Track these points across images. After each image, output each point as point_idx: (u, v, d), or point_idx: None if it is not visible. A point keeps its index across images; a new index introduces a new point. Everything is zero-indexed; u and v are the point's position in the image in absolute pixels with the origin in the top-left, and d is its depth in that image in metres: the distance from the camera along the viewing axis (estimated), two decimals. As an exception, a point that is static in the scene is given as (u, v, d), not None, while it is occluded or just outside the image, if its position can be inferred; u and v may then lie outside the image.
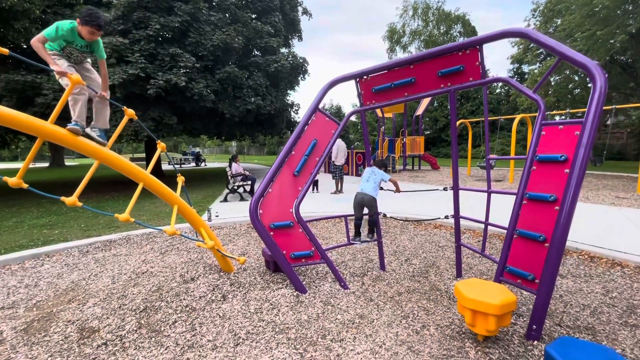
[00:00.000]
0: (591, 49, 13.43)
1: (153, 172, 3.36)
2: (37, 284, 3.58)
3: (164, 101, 10.88)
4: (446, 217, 3.86)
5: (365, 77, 3.31)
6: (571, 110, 11.82)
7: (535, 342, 2.38)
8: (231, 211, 7.22)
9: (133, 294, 3.27)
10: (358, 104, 3.50)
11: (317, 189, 10.29)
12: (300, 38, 17.44)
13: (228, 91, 12.06)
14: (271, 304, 3.01)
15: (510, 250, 2.66)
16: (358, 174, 15.02)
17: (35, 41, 2.61)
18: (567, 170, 2.35)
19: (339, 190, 9.74)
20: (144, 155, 24.26)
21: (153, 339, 2.50)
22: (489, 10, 73.23)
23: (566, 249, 4.33)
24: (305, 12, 17.37)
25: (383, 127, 19.53)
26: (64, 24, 2.70)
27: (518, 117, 11.77)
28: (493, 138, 22.14)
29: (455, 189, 3.47)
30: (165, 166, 20.34)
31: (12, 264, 4.18)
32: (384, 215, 4.24)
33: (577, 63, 2.31)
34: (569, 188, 2.24)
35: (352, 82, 3.40)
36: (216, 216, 6.56)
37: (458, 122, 15.09)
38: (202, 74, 11.25)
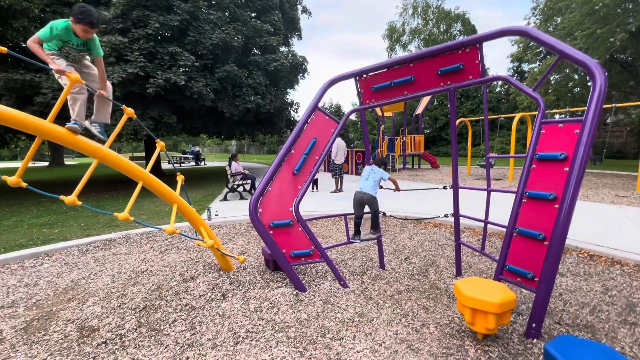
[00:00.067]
0: (591, 48, 13.41)
1: (152, 171, 3.36)
2: (36, 283, 3.58)
3: (163, 100, 10.86)
4: (446, 215, 3.86)
5: (364, 75, 3.30)
6: (571, 109, 11.82)
7: (535, 341, 2.38)
8: (231, 210, 7.22)
9: (133, 292, 3.27)
10: (358, 103, 3.50)
11: (316, 188, 10.29)
12: (299, 37, 17.41)
13: (227, 90, 12.05)
14: (271, 303, 3.01)
15: (509, 248, 2.66)
16: (358, 173, 15.02)
17: (30, 42, 2.59)
18: (567, 169, 2.35)
19: (338, 189, 9.74)
20: (143, 154, 24.26)
21: (153, 337, 2.50)
22: (489, 8, 73.20)
23: (566, 248, 4.33)
24: (304, 10, 17.34)
25: (383, 126, 19.52)
26: (58, 23, 2.65)
27: (518, 116, 11.75)
28: (493, 137, 22.12)
29: (455, 187, 3.47)
30: (164, 165, 20.32)
31: (11, 263, 4.18)
32: (384, 214, 4.23)
33: (577, 61, 2.30)
34: (568, 186, 2.23)
35: (352, 80, 3.39)
36: (216, 215, 6.56)
37: (458, 121, 15.09)
38: (201, 73, 11.23)
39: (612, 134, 24.12)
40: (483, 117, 3.57)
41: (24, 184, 2.44)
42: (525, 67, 27.23)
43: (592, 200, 7.74)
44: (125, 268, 3.95)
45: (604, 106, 2.42)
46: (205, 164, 29.86)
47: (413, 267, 3.88)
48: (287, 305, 2.97)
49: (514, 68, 31.52)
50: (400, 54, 35.80)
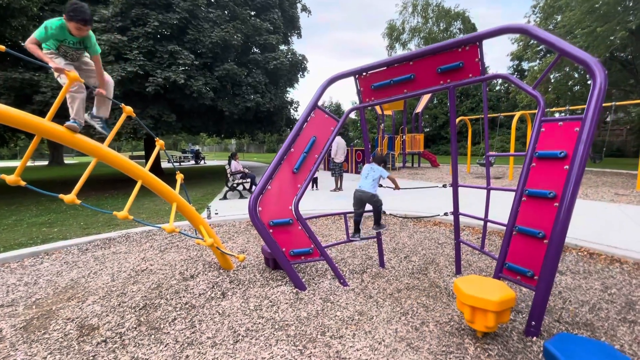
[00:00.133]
0: (591, 46, 13.40)
1: (152, 170, 3.36)
2: (36, 281, 3.58)
3: (162, 99, 10.84)
4: (445, 214, 3.85)
5: (364, 73, 3.30)
6: (571, 107, 11.80)
7: (534, 338, 2.38)
8: (230, 209, 7.22)
9: (132, 291, 3.27)
10: (357, 101, 3.49)
11: (316, 187, 10.29)
12: (299, 35, 17.38)
13: (227, 89, 12.02)
14: (270, 301, 3.01)
15: (509, 246, 2.66)
16: (357, 172, 15.01)
17: (28, 44, 2.58)
18: (567, 167, 2.35)
19: (338, 188, 9.74)
20: (143, 153, 24.22)
21: (152, 336, 2.50)
22: (489, 7, 73.07)
23: (565, 246, 4.33)
24: (304, 9, 17.30)
25: (383, 125, 19.50)
26: (52, 22, 2.62)
27: (518, 114, 11.76)
28: (492, 135, 22.11)
29: (455, 186, 3.46)
30: (164, 164, 20.30)
31: (11, 262, 4.18)
32: (384, 212, 4.23)
33: (577, 59, 2.29)
34: (568, 184, 2.23)
35: (352, 79, 3.39)
36: (215, 214, 6.56)
37: (458, 120, 15.08)
38: (201, 72, 11.21)
39: (612, 133, 24.12)
40: (483, 116, 3.57)
41: (23, 183, 2.43)
42: (525, 65, 27.20)
43: (592, 199, 7.75)
44: (125, 267, 3.95)
45: (603, 104, 2.41)
46: (204, 162, 29.85)
47: (413, 266, 3.89)
48: (286, 303, 2.97)
49: (514, 66, 31.47)
50: (400, 52, 35.78)
